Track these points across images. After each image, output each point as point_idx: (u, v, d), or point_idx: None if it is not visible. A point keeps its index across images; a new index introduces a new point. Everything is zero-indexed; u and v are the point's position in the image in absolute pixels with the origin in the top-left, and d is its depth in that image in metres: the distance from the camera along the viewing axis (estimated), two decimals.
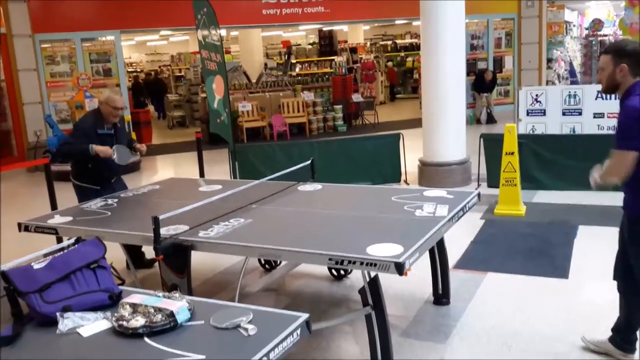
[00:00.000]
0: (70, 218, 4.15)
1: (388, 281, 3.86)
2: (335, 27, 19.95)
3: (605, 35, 15.52)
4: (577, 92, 8.14)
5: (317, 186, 4.69)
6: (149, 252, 4.96)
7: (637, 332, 3.34)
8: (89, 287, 2.51)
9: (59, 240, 4.32)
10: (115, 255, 4.36)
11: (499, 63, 14.36)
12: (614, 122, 7.83)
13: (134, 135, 10.30)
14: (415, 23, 19.10)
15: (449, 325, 3.95)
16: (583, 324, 3.82)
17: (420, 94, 9.04)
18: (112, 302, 2.48)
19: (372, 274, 3.23)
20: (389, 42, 23.10)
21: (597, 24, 15.20)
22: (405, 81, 21.84)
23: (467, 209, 3.91)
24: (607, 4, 17.07)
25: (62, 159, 4.79)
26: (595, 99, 7.91)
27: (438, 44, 7.47)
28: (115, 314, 2.29)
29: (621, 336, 3.34)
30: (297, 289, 4.78)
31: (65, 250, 2.72)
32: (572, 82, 13.28)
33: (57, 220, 4.13)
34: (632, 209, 3.07)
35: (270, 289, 4.69)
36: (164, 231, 3.42)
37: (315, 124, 13.76)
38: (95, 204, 4.54)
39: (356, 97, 14.87)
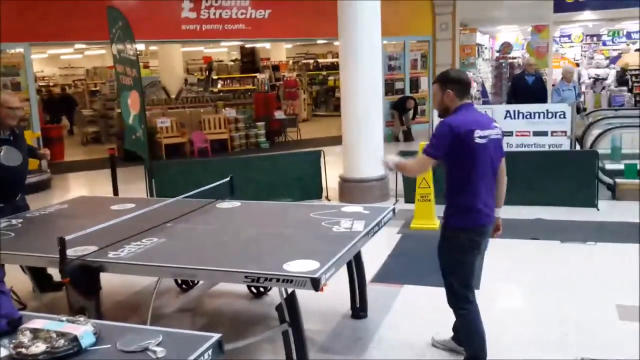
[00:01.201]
0: None
1: (307, 296, 3.86)
2: (257, 45, 19.99)
3: (514, 58, 16.41)
4: (488, 112, 8.50)
5: (236, 203, 4.64)
6: (56, 274, 4.73)
7: None
8: None
9: None
10: (20, 278, 4.13)
11: (415, 84, 14.85)
12: (522, 140, 8.29)
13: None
14: (336, 43, 19.40)
15: (366, 338, 3.99)
16: (495, 332, 3.97)
17: (341, 112, 9.19)
18: (11, 328, 2.34)
19: (289, 290, 3.22)
20: (311, 61, 23.38)
21: (506, 47, 16.03)
22: (327, 99, 22.15)
23: (383, 224, 3.99)
24: (515, 29, 18.06)
25: None
26: (505, 118, 8.32)
27: (356, 64, 7.64)
28: (14, 341, 2.16)
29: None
30: (215, 308, 4.69)
31: None
32: (484, 102, 13.91)
33: None
34: (447, 220, 3.40)
35: (186, 309, 4.57)
36: (71, 252, 3.27)
37: (238, 141, 13.65)
38: None
39: (279, 114, 14.91)
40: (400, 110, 13.79)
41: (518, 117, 8.31)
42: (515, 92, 9.97)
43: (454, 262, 3.37)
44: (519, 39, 18.72)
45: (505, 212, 6.63)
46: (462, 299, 3.39)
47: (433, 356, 3.73)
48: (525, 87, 9.88)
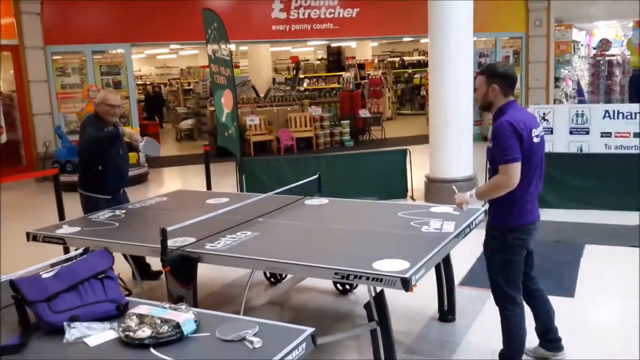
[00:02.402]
0: (78, 228, 4.18)
1: (393, 297, 3.85)
2: (344, 44, 20.08)
3: (613, 55, 15.53)
4: (585, 111, 8.14)
5: (324, 200, 4.71)
6: (154, 263, 4.98)
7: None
8: (97, 297, 2.52)
9: (67, 250, 4.35)
10: (123, 267, 4.38)
11: None
12: (621, 141, 7.84)
13: None
14: (423, 40, 19.21)
15: (454, 342, 3.93)
16: (589, 342, 3.80)
17: (427, 111, 9.09)
18: (119, 312, 2.50)
19: (378, 289, 3.23)
20: (397, 59, 23.21)
21: (604, 43, 15.22)
22: (412, 98, 21.93)
23: (474, 225, 3.91)
24: (615, 24, 17.11)
25: (89, 151, 4.75)
26: (603, 118, 7.91)
27: (445, 61, 7.51)
28: (122, 325, 2.30)
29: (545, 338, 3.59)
30: (302, 303, 4.77)
31: (74, 261, 2.75)
32: (580, 101, 13.28)
33: (65, 230, 4.15)
34: (494, 219, 3.32)
35: (275, 302, 4.69)
36: (171, 243, 3.44)
37: (323, 139, 13.81)
38: (102, 214, 4.57)
39: (363, 113, 14.92)
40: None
41: (618, 118, 7.87)
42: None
43: (501, 261, 3.31)
44: (619, 35, 17.71)
45: (609, 218, 6.36)
46: (507, 299, 3.33)
47: None
48: None
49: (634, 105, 7.99)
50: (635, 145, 7.72)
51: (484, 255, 3.44)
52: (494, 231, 3.33)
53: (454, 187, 3.78)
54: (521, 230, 3.25)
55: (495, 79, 3.24)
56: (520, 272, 3.35)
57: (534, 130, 3.18)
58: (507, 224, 3.25)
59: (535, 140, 3.19)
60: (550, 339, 3.58)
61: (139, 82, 23.73)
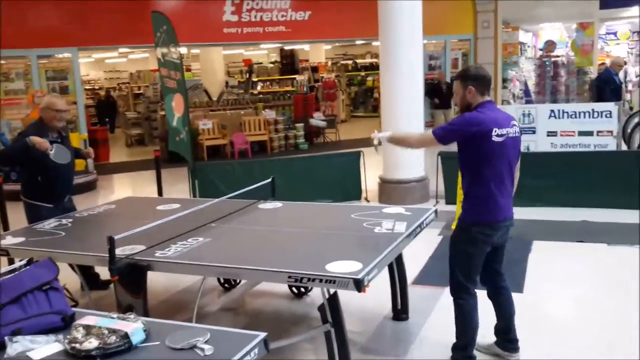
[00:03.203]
0: (22, 239, 4.04)
1: (348, 297, 3.87)
2: (297, 46, 20.10)
3: (558, 56, 16.00)
4: (531, 111, 8.38)
5: (278, 204, 4.69)
6: (103, 273, 4.86)
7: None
8: (41, 309, 2.44)
9: (12, 262, 4.20)
10: (70, 277, 4.26)
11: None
12: (566, 140, 8.11)
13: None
14: (375, 43, 19.40)
15: (408, 340, 3.98)
16: (539, 336, 3.91)
17: (380, 113, 9.18)
18: (64, 324, 2.43)
19: (332, 290, 3.24)
20: (350, 62, 23.38)
21: (550, 45, 15.67)
22: (365, 100, 22.11)
23: (425, 225, 3.97)
24: (559, 27, 17.66)
25: (5, 164, 4.59)
26: (549, 117, 8.16)
27: (396, 64, 7.61)
28: (68, 336, 2.24)
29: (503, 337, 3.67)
30: (257, 308, 4.75)
31: (17, 272, 2.65)
32: (527, 102, 13.63)
33: (8, 241, 4.01)
34: (463, 213, 3.46)
35: (229, 308, 4.64)
36: (119, 251, 3.37)
37: (277, 142, 13.77)
38: (48, 224, 4.43)
39: (318, 117, 14.94)
40: (438, 97, 13.49)
41: (563, 117, 8.13)
42: (604, 90, 9.87)
43: (462, 253, 3.44)
44: (563, 37, 18.29)
45: (550, 214, 6.59)
46: (462, 289, 3.45)
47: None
48: (615, 85, 9.90)
49: (578, 104, 8.27)
50: (579, 144, 8.00)
51: (449, 246, 3.55)
52: (462, 224, 3.46)
53: (374, 131, 3.83)
54: (486, 226, 3.35)
55: (469, 81, 3.36)
56: (479, 267, 3.46)
57: (495, 129, 3.24)
58: (473, 219, 3.37)
59: (497, 139, 3.24)
60: (509, 339, 3.64)
61: (87, 87, 23.13)
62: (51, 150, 4.49)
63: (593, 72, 13.34)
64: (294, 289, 4.85)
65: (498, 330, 3.69)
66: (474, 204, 3.37)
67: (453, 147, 3.44)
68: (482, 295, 3.61)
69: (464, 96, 3.39)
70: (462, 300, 3.46)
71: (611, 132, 7.82)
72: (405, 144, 3.75)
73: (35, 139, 4.44)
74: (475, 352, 3.58)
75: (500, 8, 14.09)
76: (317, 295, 4.72)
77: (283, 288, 4.87)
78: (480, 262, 3.45)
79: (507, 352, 3.64)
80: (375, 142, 3.65)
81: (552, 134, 8.19)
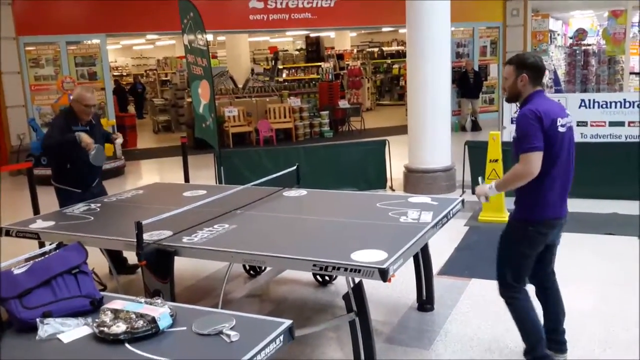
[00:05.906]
0: (52, 223, 4.11)
1: (372, 287, 3.86)
2: (323, 34, 20.00)
3: (589, 45, 15.68)
4: (561, 101, 8.19)
5: (302, 192, 4.69)
6: (131, 257, 4.92)
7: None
8: (70, 292, 2.48)
9: (41, 245, 4.28)
10: (98, 261, 4.32)
11: (484, 71, 14.47)
12: (597, 130, 7.95)
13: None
14: (401, 30, 19.19)
15: (432, 331, 3.96)
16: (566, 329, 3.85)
17: (406, 101, 9.11)
18: (93, 308, 2.47)
19: (357, 280, 3.24)
20: (376, 49, 23.19)
21: (581, 33, 15.34)
22: (391, 88, 21.95)
23: (451, 215, 3.93)
24: (590, 14, 17.27)
25: (48, 152, 4.70)
26: (579, 107, 8.00)
27: (424, 51, 7.52)
28: (97, 320, 2.27)
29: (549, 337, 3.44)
30: (282, 295, 4.77)
31: (47, 255, 2.70)
32: (556, 91, 13.38)
33: (39, 224, 4.09)
34: (517, 210, 3.24)
35: (254, 295, 4.68)
36: (147, 237, 3.40)
37: (302, 130, 13.77)
38: (77, 208, 4.50)
39: (343, 104, 14.90)
40: (464, 89, 13.36)
41: (593, 107, 7.97)
42: None
43: (514, 254, 3.26)
44: (594, 25, 17.89)
45: (579, 206, 6.45)
46: (512, 290, 3.29)
47: (499, 350, 3.66)
48: None
49: (609, 94, 8.09)
50: (610, 134, 7.83)
51: (498, 246, 3.34)
52: (517, 222, 3.24)
53: (479, 179, 3.67)
54: (544, 224, 3.17)
55: (524, 69, 3.16)
56: (530, 267, 3.28)
57: (559, 119, 3.07)
58: (530, 217, 3.17)
59: (561, 129, 3.07)
60: (555, 340, 3.45)
61: (115, 74, 23.40)
62: (93, 151, 4.60)
63: (624, 62, 13.02)
64: (318, 277, 4.86)
65: (546, 330, 3.44)
66: (532, 200, 3.14)
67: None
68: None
69: (514, 83, 3.19)
70: (513, 299, 3.29)
71: None
72: (517, 181, 3.11)
73: (84, 138, 4.57)
74: (497, 342, 3.48)
75: None
76: (341, 284, 4.72)
77: (308, 276, 4.88)
78: (532, 262, 3.27)
79: (553, 352, 3.42)
80: (483, 200, 3.36)
81: (582, 124, 8.02)
